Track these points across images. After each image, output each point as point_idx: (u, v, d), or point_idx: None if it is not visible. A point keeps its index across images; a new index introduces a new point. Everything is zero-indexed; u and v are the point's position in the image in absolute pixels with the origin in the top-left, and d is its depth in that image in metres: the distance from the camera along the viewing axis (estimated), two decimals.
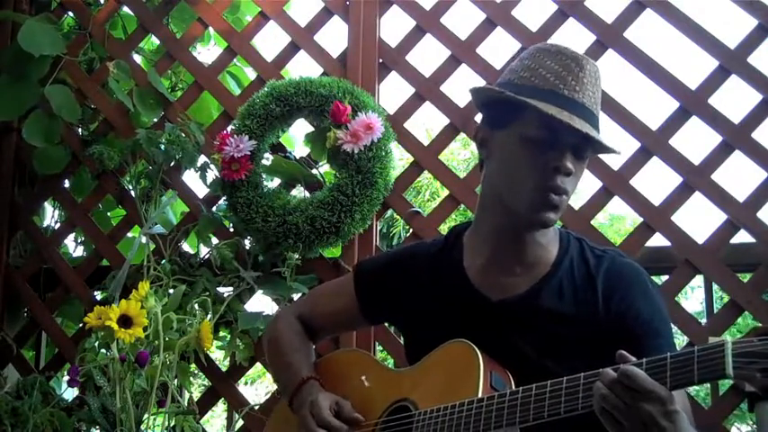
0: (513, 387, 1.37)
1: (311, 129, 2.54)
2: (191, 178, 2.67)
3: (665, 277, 2.32)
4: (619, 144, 1.49)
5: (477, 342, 1.42)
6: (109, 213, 3.03)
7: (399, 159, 2.57)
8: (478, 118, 2.44)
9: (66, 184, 2.89)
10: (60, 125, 2.71)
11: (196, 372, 2.53)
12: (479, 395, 1.34)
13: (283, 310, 1.84)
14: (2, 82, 2.68)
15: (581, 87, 1.39)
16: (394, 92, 2.66)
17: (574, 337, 1.43)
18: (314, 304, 1.80)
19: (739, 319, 2.10)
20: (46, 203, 2.96)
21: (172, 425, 2.18)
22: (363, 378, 1.63)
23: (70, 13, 2.96)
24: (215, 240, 2.58)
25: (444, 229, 2.65)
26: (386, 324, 2.32)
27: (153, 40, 3.05)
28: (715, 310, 2.24)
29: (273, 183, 2.54)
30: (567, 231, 1.56)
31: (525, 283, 1.48)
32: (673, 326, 2.19)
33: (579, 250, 1.51)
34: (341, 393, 1.59)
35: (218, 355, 2.64)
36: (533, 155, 1.39)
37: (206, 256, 2.53)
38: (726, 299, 2.18)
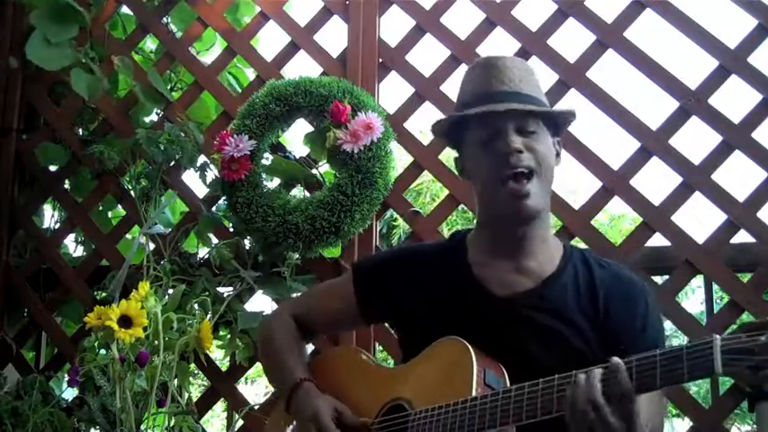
0: (508, 383, 1.37)
1: (311, 129, 2.54)
2: (191, 178, 2.67)
3: (665, 277, 2.32)
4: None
5: (481, 338, 1.42)
6: (110, 213, 3.03)
7: (399, 161, 2.56)
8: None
9: (67, 184, 2.89)
10: (101, 85, 2.72)
11: (196, 372, 2.53)
12: (473, 393, 1.34)
13: (278, 309, 1.84)
14: (38, 36, 2.71)
15: (500, 78, 1.52)
16: (394, 92, 2.66)
17: (576, 339, 1.44)
18: (310, 304, 1.80)
19: (744, 316, 2.10)
20: (46, 203, 2.96)
21: (172, 425, 2.18)
22: (357, 378, 1.63)
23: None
24: (215, 240, 2.58)
25: (445, 229, 2.65)
26: (385, 324, 2.32)
27: (154, 40, 3.05)
28: (715, 311, 2.24)
29: (273, 183, 2.54)
30: (570, 244, 1.61)
31: (531, 281, 1.51)
32: (674, 326, 2.20)
33: (582, 259, 1.56)
34: (335, 394, 1.59)
35: (218, 355, 2.64)
36: (486, 152, 1.50)
37: (206, 256, 2.53)
38: (726, 299, 2.18)
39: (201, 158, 2.61)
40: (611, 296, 1.49)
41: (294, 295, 2.37)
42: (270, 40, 2.89)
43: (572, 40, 2.50)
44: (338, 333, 2.25)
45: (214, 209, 2.63)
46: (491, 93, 1.51)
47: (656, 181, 2.61)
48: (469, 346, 1.40)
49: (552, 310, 1.47)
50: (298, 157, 2.55)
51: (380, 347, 2.40)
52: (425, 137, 2.45)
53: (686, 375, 1.15)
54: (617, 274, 1.54)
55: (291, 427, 1.63)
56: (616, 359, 1.22)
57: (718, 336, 1.13)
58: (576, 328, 1.45)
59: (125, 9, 2.95)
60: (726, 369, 1.11)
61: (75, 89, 2.65)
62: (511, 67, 1.54)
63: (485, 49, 2.48)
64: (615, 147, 2.69)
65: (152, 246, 2.53)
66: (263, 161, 2.52)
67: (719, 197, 2.20)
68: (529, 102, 1.50)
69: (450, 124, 1.59)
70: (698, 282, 2.32)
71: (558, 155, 1.57)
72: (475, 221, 1.63)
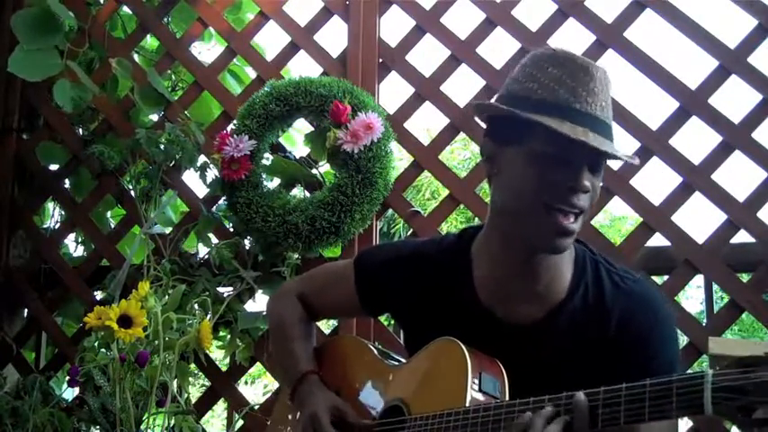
0: (506, 383, 1.37)
1: (311, 128, 2.54)
2: (191, 178, 2.67)
3: (665, 277, 2.32)
4: (623, 146, 1.44)
5: None
6: (109, 213, 3.03)
7: (399, 160, 2.57)
8: (480, 119, 2.45)
9: (67, 184, 2.89)
10: (88, 95, 2.69)
11: (196, 372, 2.53)
12: (467, 400, 1.33)
13: (285, 289, 1.82)
14: (22, 47, 2.67)
15: (592, 98, 1.31)
16: (394, 92, 2.66)
17: (583, 368, 1.39)
18: (314, 287, 1.76)
19: (744, 316, 2.10)
20: (46, 203, 2.96)
21: (171, 425, 2.18)
22: (360, 371, 1.63)
23: (70, 13, 2.96)
24: (215, 240, 2.58)
25: (445, 229, 2.65)
26: (385, 323, 2.33)
27: (153, 40, 3.05)
28: (715, 310, 2.25)
29: (273, 183, 2.54)
30: (584, 250, 1.48)
31: (539, 309, 1.43)
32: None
33: (595, 274, 1.44)
34: (338, 386, 1.60)
35: (219, 355, 2.64)
36: (545, 173, 1.31)
37: (206, 256, 2.54)
38: (726, 299, 2.19)
39: (201, 158, 2.61)
40: (623, 321, 1.39)
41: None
42: (270, 40, 2.90)
43: (572, 40, 2.50)
44: (342, 318, 2.28)
45: (214, 209, 2.63)
46: (582, 112, 1.30)
47: (656, 181, 2.61)
48: (465, 349, 1.37)
49: (560, 341, 1.41)
50: (298, 157, 2.55)
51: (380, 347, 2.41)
52: (426, 136, 2.45)
53: (675, 412, 1.05)
54: (631, 294, 1.42)
55: (295, 415, 1.65)
56: (580, 396, 1.18)
57: (710, 371, 1.02)
58: (585, 358, 1.40)
59: (125, 9, 2.95)
60: (716, 408, 1.00)
61: (57, 101, 2.61)
62: (606, 86, 1.34)
63: (485, 49, 2.48)
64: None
65: (152, 246, 2.53)
66: (263, 161, 2.52)
67: (719, 197, 2.20)
68: (610, 134, 1.33)
69: (505, 116, 1.36)
70: (698, 282, 2.32)
71: None
72: (485, 229, 1.51)
